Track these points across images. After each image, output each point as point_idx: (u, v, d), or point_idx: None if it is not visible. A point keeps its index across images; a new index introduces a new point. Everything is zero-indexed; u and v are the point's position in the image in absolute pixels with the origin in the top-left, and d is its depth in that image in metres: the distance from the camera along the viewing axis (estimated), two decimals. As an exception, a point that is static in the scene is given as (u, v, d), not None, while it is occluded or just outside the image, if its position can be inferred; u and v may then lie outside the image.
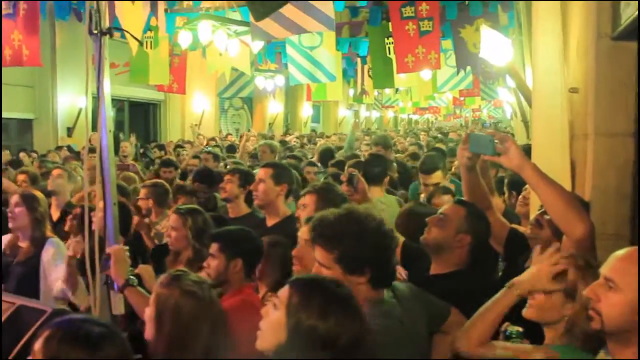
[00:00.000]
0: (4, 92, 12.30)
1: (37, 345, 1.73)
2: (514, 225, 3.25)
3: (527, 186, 3.88)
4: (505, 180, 4.60)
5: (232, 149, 10.52)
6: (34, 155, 10.11)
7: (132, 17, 6.16)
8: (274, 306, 1.84)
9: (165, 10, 7.78)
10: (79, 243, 3.63)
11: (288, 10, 5.89)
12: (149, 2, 6.72)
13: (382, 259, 2.20)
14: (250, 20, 6.48)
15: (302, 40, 8.61)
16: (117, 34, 3.13)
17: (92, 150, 3.41)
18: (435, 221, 2.88)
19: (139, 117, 16.84)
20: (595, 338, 1.93)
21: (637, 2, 2.58)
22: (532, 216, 3.06)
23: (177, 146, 11.72)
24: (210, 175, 5.31)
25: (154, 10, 7.05)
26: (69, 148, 11.21)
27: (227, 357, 2.20)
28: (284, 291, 1.84)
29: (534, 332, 2.21)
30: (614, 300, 1.77)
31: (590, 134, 3.13)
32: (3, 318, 2.64)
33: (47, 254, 3.93)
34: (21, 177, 5.90)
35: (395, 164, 6.28)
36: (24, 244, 4.00)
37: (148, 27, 7.54)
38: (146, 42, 8.21)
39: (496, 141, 2.44)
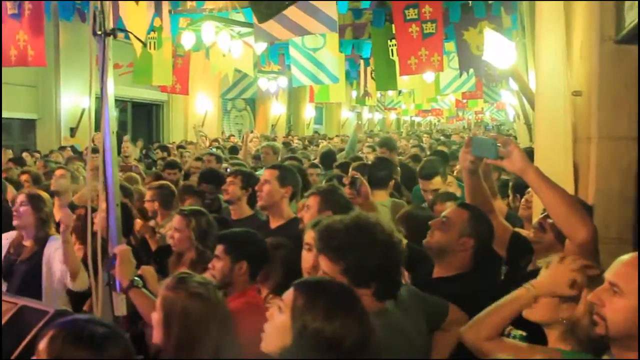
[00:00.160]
0: (7, 92, 12.38)
1: (42, 345, 1.74)
2: (517, 229, 3.24)
3: (529, 189, 3.88)
4: (510, 184, 4.59)
5: (234, 150, 10.53)
6: (37, 155, 10.13)
7: (136, 18, 6.17)
8: (279, 309, 1.83)
9: (169, 12, 7.79)
10: (68, 215, 3.69)
11: (291, 11, 5.89)
12: (152, 3, 6.73)
13: (389, 271, 2.15)
14: (253, 21, 6.49)
15: (305, 42, 8.62)
16: (120, 35, 3.13)
17: (95, 150, 3.42)
18: (438, 224, 2.87)
19: (142, 118, 16.85)
20: (599, 343, 1.93)
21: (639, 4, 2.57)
22: (535, 220, 3.06)
23: (179, 147, 11.74)
24: (217, 176, 5.30)
25: (158, 11, 7.06)
26: (73, 148, 11.24)
27: (235, 358, 2.20)
28: (289, 294, 1.84)
29: (536, 336, 2.21)
30: (619, 305, 1.76)
31: (594, 137, 3.13)
32: (5, 318, 2.64)
33: (50, 248, 3.95)
34: (24, 177, 5.93)
35: (398, 168, 6.28)
36: (28, 243, 4.04)
37: (151, 28, 7.56)
38: (149, 43, 8.23)
39: (499, 144, 2.44)
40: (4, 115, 12.77)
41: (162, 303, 2.26)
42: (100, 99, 2.97)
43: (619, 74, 3.02)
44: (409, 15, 7.58)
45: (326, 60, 8.80)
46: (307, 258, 2.66)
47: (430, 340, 2.47)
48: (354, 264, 2.08)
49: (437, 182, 4.63)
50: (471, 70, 8.45)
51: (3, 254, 3.98)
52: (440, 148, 9.54)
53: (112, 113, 2.98)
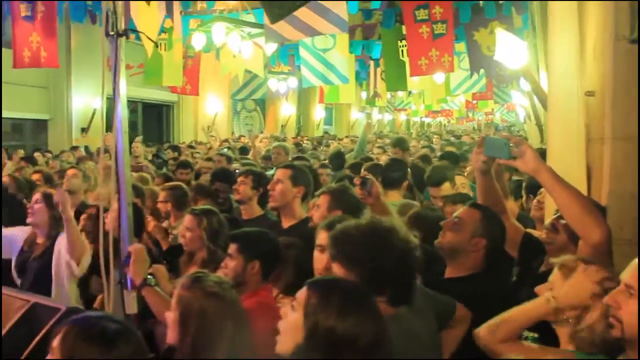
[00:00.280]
0: (19, 93, 12.51)
1: (55, 342, 1.75)
2: (529, 230, 3.22)
3: (541, 190, 3.85)
4: (524, 184, 4.56)
5: (244, 150, 10.55)
6: (48, 155, 10.21)
7: (147, 19, 6.20)
8: (292, 308, 1.83)
9: (180, 13, 7.82)
10: (61, 193, 3.76)
11: (302, 12, 5.90)
12: (164, 4, 6.76)
13: (404, 278, 2.12)
14: (264, 22, 6.51)
15: (315, 43, 8.63)
16: (131, 36, 3.14)
17: (106, 150, 3.43)
18: (450, 225, 2.86)
19: (152, 119, 16.94)
20: (613, 344, 1.91)
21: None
22: (547, 221, 3.04)
23: (189, 147, 11.78)
24: (229, 175, 5.30)
25: (169, 13, 7.09)
26: (86, 148, 11.32)
27: (250, 357, 2.19)
28: (302, 292, 1.83)
29: (548, 338, 2.19)
30: (635, 307, 1.74)
31: (607, 137, 3.09)
32: (18, 316, 2.66)
33: (59, 243, 4.01)
34: (36, 176, 5.97)
35: (409, 169, 6.26)
36: (40, 241, 4.13)
37: (162, 29, 7.59)
38: (160, 44, 8.27)
39: (511, 144, 2.43)
40: (16, 115, 12.91)
41: (178, 302, 2.25)
42: (113, 99, 2.98)
43: (633, 74, 2.98)
44: (419, 15, 7.57)
45: (336, 60, 8.80)
46: (320, 259, 2.64)
47: (440, 339, 2.47)
48: (369, 273, 2.04)
49: (446, 188, 4.60)
50: (482, 71, 8.41)
51: (18, 251, 4.06)
52: (448, 149, 9.50)
53: (124, 113, 2.99)
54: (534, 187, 4.14)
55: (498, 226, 2.83)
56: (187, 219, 3.53)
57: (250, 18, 8.09)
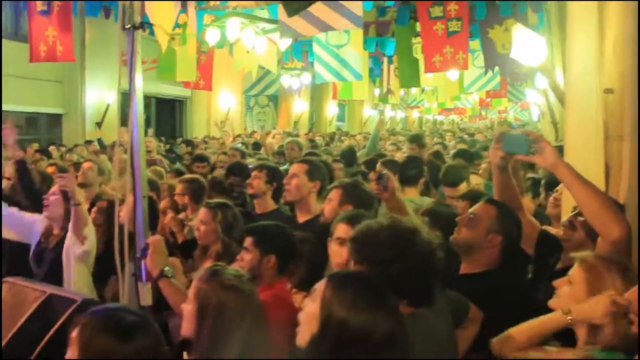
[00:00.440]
0: (34, 87, 12.62)
1: (74, 333, 1.76)
2: (545, 227, 3.20)
3: (558, 187, 3.82)
4: (542, 181, 4.51)
5: (258, 146, 10.58)
6: (62, 149, 10.29)
7: (162, 14, 6.21)
8: (312, 299, 1.82)
9: (194, 8, 7.83)
10: (62, 178, 3.82)
11: (316, 8, 5.89)
12: (179, -1, 6.79)
13: (427, 280, 2.08)
14: (278, 17, 6.50)
15: (329, 39, 8.59)
16: (145, 32, 3.15)
17: (121, 144, 3.44)
18: (465, 221, 2.84)
19: (165, 114, 17.01)
20: (631, 342, 1.89)
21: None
22: (564, 218, 3.01)
23: (202, 141, 11.81)
24: (245, 169, 5.31)
25: (184, 8, 7.11)
26: (100, 142, 11.38)
27: (266, 350, 2.19)
28: (322, 284, 1.82)
29: (567, 338, 2.18)
30: None
31: (626, 135, 3.06)
32: (34, 306, 2.68)
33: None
34: (50, 169, 6.01)
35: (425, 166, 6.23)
36: (56, 232, 4.16)
37: (176, 25, 7.61)
38: (174, 39, 8.28)
39: (530, 140, 2.41)
40: (31, 109, 13.03)
41: (196, 295, 2.23)
42: (129, 93, 2.99)
43: (653, 71, 2.95)
44: (434, 13, 7.54)
45: (350, 57, 8.76)
46: (339, 252, 2.59)
47: (456, 339, 2.45)
48: (391, 274, 1.99)
49: (462, 188, 4.56)
50: (496, 69, 8.36)
51: (37, 241, 4.11)
52: (460, 146, 9.44)
53: (140, 106, 3.00)
54: (552, 184, 4.09)
55: (514, 222, 2.81)
56: (202, 212, 3.53)
57: (264, 14, 8.08)
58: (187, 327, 2.22)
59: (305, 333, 1.80)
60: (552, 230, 3.18)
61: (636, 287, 1.79)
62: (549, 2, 6.94)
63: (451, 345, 2.26)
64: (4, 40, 10.89)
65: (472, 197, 3.78)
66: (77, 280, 3.85)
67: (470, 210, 2.93)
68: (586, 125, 3.43)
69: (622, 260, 2.13)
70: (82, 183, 5.28)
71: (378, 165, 4.97)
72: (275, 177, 4.29)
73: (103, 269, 3.98)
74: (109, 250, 3.48)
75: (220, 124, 14.14)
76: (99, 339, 1.75)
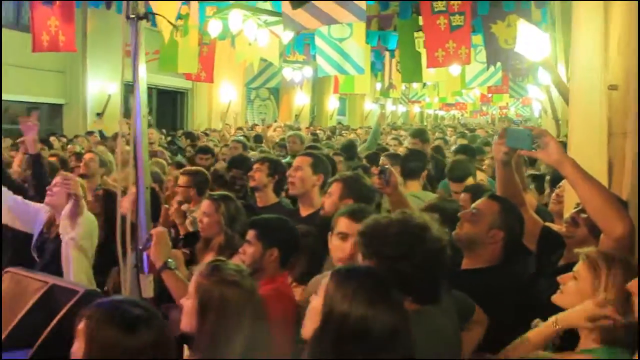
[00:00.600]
0: (35, 77, 12.59)
1: (80, 325, 1.76)
2: (547, 223, 3.19)
3: (560, 184, 3.82)
4: (547, 177, 4.50)
5: (259, 138, 10.56)
6: (63, 139, 10.27)
7: (165, 5, 6.19)
8: (316, 293, 1.81)
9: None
10: (68, 183, 3.82)
11: (320, 1, 5.88)
12: (181, -10, 6.75)
13: (435, 277, 2.06)
14: (282, 10, 6.48)
15: (332, 32, 8.58)
16: (147, 23, 3.14)
17: (123, 135, 3.44)
18: (467, 216, 2.83)
19: (167, 105, 16.97)
20: (632, 339, 1.90)
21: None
22: (566, 214, 3.01)
23: (204, 133, 11.80)
24: (246, 161, 5.30)
25: (186, -1, 7.10)
26: (101, 133, 11.37)
27: (269, 346, 2.18)
28: (326, 279, 1.81)
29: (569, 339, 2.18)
30: None
31: (630, 132, 3.05)
32: (36, 297, 2.68)
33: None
34: (52, 159, 6.00)
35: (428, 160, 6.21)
36: (58, 222, 4.10)
37: (179, 16, 7.58)
38: (176, 30, 8.25)
39: (534, 135, 2.40)
40: (32, 99, 13.00)
41: (196, 290, 2.22)
42: (133, 83, 2.98)
43: (658, 68, 2.94)
44: (437, 7, 7.53)
45: (352, 50, 8.75)
46: (342, 247, 2.58)
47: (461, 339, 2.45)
48: (400, 273, 1.96)
49: (469, 183, 4.53)
50: (498, 64, 8.34)
51: (39, 231, 4.10)
52: (460, 141, 9.42)
53: (143, 97, 2.99)
54: (557, 181, 4.08)
55: (516, 218, 2.81)
56: (205, 204, 3.53)
57: (267, 6, 8.06)
58: (186, 322, 2.21)
59: (308, 326, 1.80)
60: (554, 226, 3.18)
61: (636, 280, 1.80)
62: (554, 1, 6.93)
63: (456, 344, 2.24)
64: (4, 30, 10.86)
65: (475, 190, 3.79)
66: (76, 270, 3.85)
67: (473, 205, 2.92)
68: (590, 121, 3.42)
69: (625, 256, 2.13)
70: (84, 174, 5.28)
71: (381, 159, 4.95)
72: (277, 170, 4.28)
73: (104, 260, 3.99)
74: (110, 241, 3.48)
75: (233, 116, 14.02)
76: (104, 331, 1.75)
